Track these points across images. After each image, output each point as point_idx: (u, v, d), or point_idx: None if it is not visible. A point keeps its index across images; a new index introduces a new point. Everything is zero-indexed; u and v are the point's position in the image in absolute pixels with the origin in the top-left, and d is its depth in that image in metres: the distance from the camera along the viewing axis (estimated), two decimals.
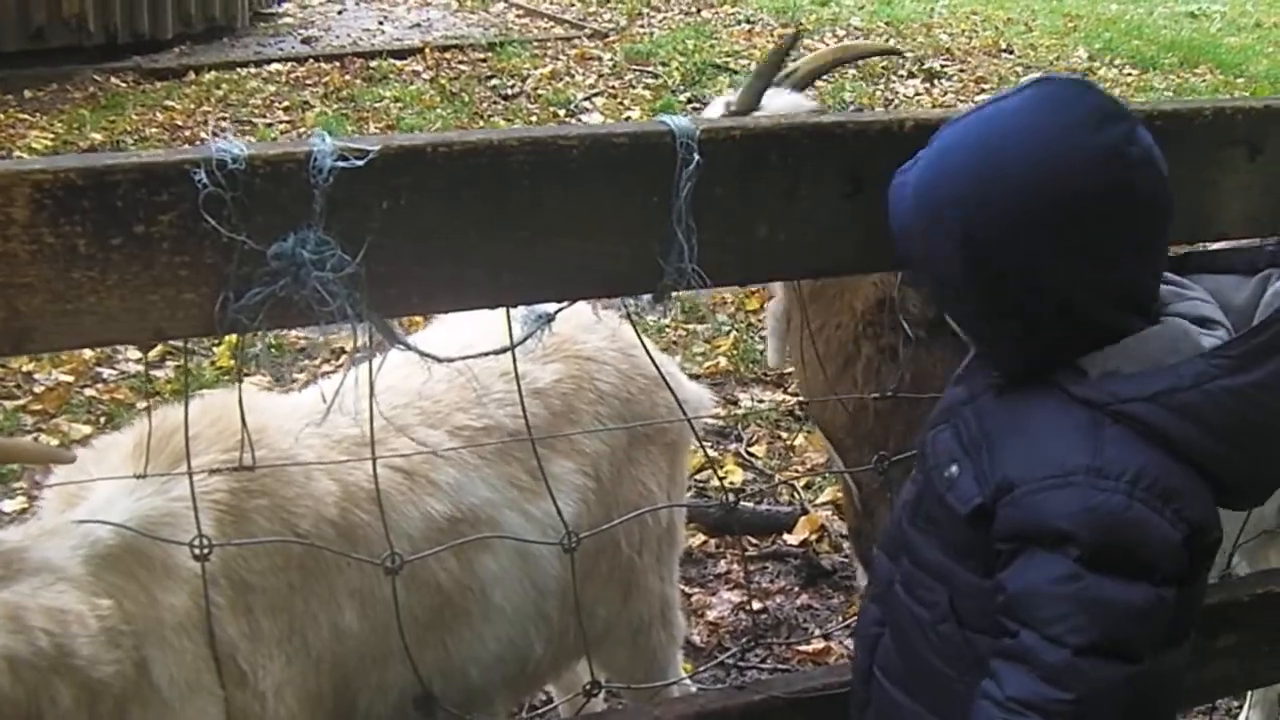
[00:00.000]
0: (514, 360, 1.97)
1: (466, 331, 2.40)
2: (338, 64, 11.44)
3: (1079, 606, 1.73)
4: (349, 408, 2.03)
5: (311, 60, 11.62)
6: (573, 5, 14.43)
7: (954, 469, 1.88)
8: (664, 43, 12.14)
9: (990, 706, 1.79)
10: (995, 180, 1.76)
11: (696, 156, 1.83)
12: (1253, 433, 1.81)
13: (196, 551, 1.90)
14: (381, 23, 13.62)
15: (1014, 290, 1.78)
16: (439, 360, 1.86)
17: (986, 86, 10.94)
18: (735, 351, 5.90)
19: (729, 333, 6.13)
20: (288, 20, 13.58)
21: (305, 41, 12.67)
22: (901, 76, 11.18)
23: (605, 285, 1.90)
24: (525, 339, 1.96)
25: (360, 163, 1.67)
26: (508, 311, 1.92)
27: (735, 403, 5.56)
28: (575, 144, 1.81)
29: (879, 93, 10.61)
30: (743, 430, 5.32)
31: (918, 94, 10.78)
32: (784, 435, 5.33)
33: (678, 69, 11.26)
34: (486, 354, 1.95)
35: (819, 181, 1.96)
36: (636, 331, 2.26)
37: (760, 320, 6.12)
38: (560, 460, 2.51)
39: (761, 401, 5.54)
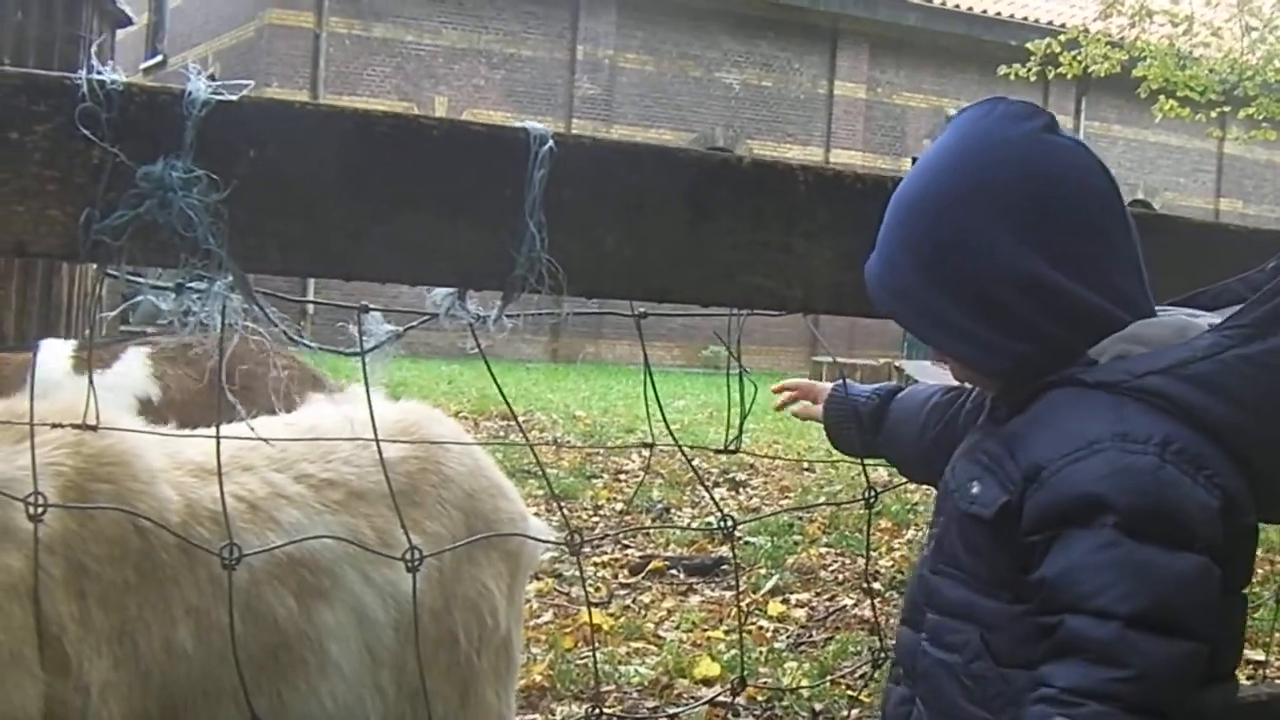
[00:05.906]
0: (364, 366, 2.00)
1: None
2: None
3: (1124, 573, 1.61)
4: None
5: None
6: None
7: (975, 487, 1.82)
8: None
9: (1043, 708, 1.64)
10: (934, 178, 1.86)
11: (549, 152, 1.95)
12: (1276, 404, 1.73)
13: (31, 511, 1.84)
14: None
15: (981, 281, 1.79)
16: (288, 336, 1.88)
17: (790, 494, 11.33)
18: (551, 672, 5.79)
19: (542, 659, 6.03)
20: None
21: None
22: (709, 485, 11.52)
23: (458, 273, 1.95)
24: (375, 347, 2.00)
25: (233, 97, 1.75)
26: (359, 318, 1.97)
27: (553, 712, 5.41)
28: (436, 125, 1.92)
29: (686, 495, 10.91)
30: None
31: (723, 498, 11.09)
32: None
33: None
34: (338, 350, 1.98)
35: (663, 203, 2.08)
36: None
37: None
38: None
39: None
